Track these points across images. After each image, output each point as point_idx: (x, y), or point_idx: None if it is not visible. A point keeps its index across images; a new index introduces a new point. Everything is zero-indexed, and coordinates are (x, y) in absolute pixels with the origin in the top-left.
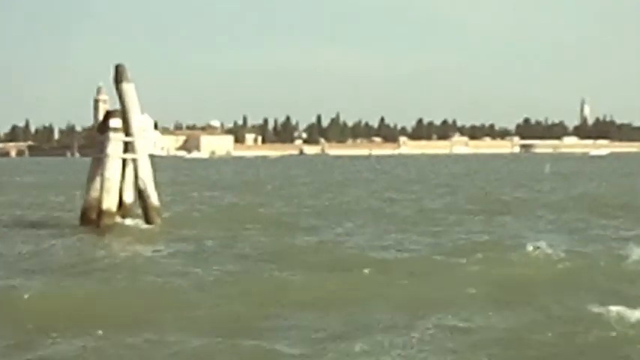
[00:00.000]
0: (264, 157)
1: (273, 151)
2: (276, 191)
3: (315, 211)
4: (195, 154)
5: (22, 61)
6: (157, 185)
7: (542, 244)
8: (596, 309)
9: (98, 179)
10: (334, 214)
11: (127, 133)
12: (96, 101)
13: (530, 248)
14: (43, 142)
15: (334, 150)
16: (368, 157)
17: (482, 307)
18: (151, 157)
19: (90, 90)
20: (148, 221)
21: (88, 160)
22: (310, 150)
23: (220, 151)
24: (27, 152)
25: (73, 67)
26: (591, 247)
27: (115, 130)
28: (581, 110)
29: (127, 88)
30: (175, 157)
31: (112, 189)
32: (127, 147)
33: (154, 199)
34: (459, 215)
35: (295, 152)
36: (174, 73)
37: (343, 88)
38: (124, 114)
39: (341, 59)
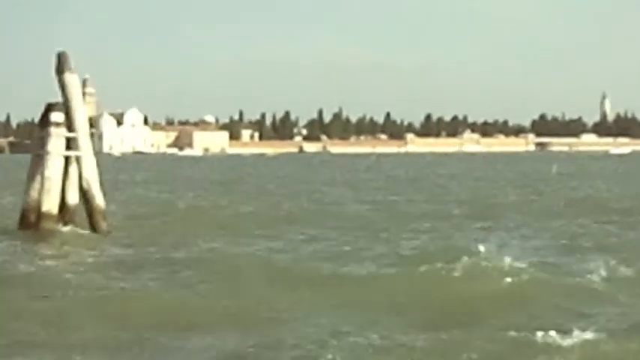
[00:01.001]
0: (261, 155)
1: (271, 149)
2: (257, 191)
3: (282, 214)
4: (187, 152)
5: (2, 50)
6: (122, 185)
7: (507, 257)
8: (526, 333)
9: (38, 179)
10: (302, 218)
11: (70, 129)
12: (82, 94)
13: (485, 261)
14: (25, 138)
15: (336, 147)
16: (369, 156)
17: (409, 325)
18: (140, 154)
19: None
20: (92, 224)
21: None
22: (310, 147)
23: (215, 148)
24: (7, 149)
25: None
26: (564, 260)
27: (57, 124)
28: (601, 106)
29: (70, 78)
30: (165, 154)
31: (52, 189)
32: (71, 143)
33: (99, 200)
34: (436, 221)
35: (295, 150)
36: (166, 65)
37: (346, 82)
38: (66, 107)
39: (344, 50)
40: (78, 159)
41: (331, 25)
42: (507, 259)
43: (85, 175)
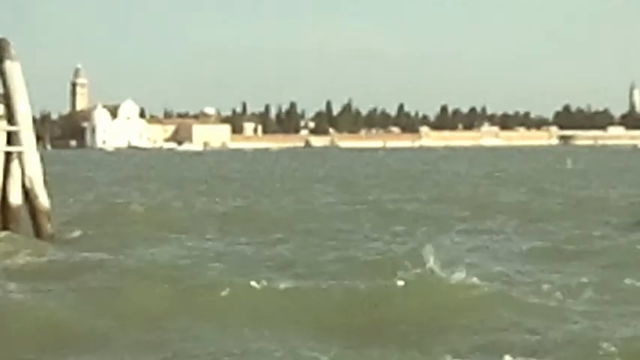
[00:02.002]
0: (265, 150)
1: (276, 143)
2: (243, 190)
3: (250, 216)
4: (186, 146)
5: None
6: (97, 183)
7: (463, 269)
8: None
9: None
10: (271, 219)
11: (11, 122)
12: (73, 85)
13: (438, 273)
14: None
15: (345, 142)
16: (378, 150)
17: (324, 345)
18: (134, 149)
19: (67, 72)
20: (35, 227)
21: (60, 153)
22: (318, 141)
23: (215, 143)
24: None
25: (49, 46)
26: (532, 269)
27: None
28: (630, 96)
29: (11, 67)
30: (161, 149)
31: None
32: (12, 138)
33: (42, 200)
34: (418, 223)
35: (301, 144)
36: (164, 53)
37: (356, 71)
38: (7, 99)
39: (354, 37)
40: (20, 155)
41: (340, 11)
42: (460, 274)
43: (27, 172)
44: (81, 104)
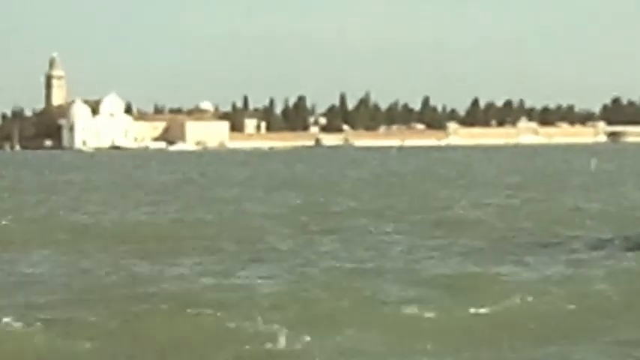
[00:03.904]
0: (271, 149)
1: (282, 142)
2: (198, 198)
3: (163, 228)
4: (179, 146)
5: None
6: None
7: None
8: None
9: None
10: (181, 232)
11: None
12: (48, 77)
13: None
14: None
15: (361, 140)
16: (397, 149)
17: None
18: (117, 149)
19: (42, 63)
20: None
21: (29, 153)
22: (330, 140)
23: (212, 142)
24: None
25: (22, 34)
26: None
27: None
28: None
29: None
30: (147, 149)
31: None
32: None
33: None
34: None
35: (310, 143)
36: (154, 40)
37: (375, 60)
38: None
39: (372, 22)
40: None
41: None
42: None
43: None
44: (57, 99)
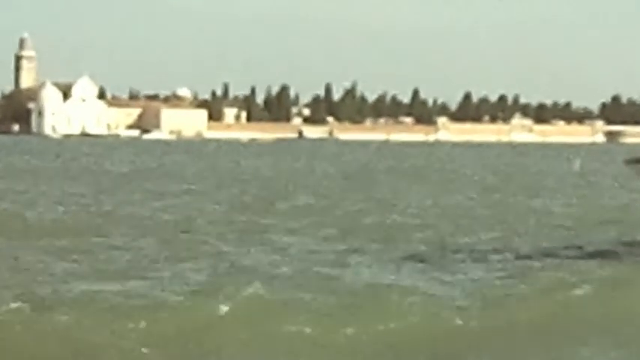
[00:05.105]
0: (252, 141)
1: (262, 133)
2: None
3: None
4: (153, 135)
5: None
6: None
7: None
8: None
9: None
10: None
11: None
12: (18, 58)
13: None
14: None
15: (346, 133)
16: (378, 144)
17: None
18: (88, 136)
19: (12, 43)
20: None
21: None
22: (313, 132)
23: (188, 131)
24: None
25: None
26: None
27: None
28: None
29: None
30: (118, 137)
31: None
32: None
33: None
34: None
35: (293, 135)
36: (129, 22)
37: (363, 48)
38: None
39: (360, 8)
40: None
41: None
42: None
43: None
44: (27, 81)
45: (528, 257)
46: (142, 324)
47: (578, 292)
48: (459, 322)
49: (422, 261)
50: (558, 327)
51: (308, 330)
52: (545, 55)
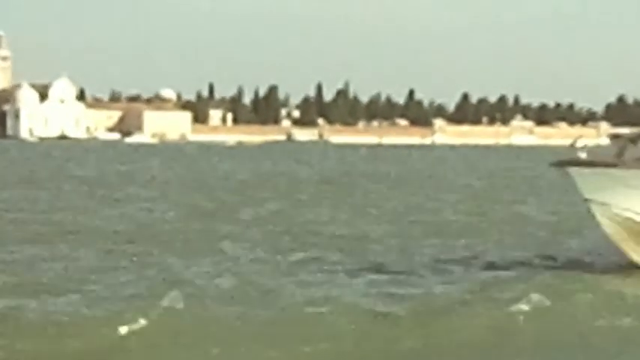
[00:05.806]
0: (239, 144)
1: (249, 135)
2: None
3: None
4: (135, 138)
5: None
6: None
7: None
8: None
9: None
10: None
11: None
12: None
13: None
14: None
15: (338, 136)
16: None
17: None
18: (65, 139)
19: None
20: None
21: None
22: (303, 135)
23: (172, 134)
24: None
25: None
26: None
27: None
28: None
29: None
30: (96, 140)
31: None
32: None
33: None
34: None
35: (281, 138)
36: (110, 20)
37: (356, 46)
38: None
39: (353, 6)
40: None
41: None
42: None
43: None
44: (2, 82)
45: (493, 268)
46: (43, 343)
47: (525, 306)
48: (395, 341)
49: (377, 272)
50: (500, 343)
51: (215, 351)
52: (547, 53)
